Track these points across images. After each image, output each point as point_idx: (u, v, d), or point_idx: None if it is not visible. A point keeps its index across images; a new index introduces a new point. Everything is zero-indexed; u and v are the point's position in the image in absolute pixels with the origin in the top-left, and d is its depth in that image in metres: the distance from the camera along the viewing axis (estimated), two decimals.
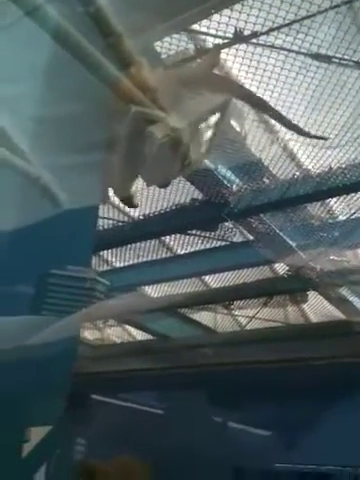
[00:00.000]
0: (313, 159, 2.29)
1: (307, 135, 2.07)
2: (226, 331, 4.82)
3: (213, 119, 1.85)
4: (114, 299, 4.01)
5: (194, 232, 3.19)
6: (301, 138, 2.14)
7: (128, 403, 6.11)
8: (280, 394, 4.92)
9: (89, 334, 5.35)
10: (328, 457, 4.43)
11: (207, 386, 5.52)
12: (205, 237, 3.30)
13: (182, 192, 2.70)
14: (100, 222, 3.13)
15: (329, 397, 4.65)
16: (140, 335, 5.08)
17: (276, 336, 4.45)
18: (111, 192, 2.69)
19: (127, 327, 5.13)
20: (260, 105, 2.00)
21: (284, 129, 2.13)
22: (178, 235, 3.28)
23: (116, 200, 3.00)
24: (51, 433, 2.93)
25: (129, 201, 2.46)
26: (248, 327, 4.58)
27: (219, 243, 3.53)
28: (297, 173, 2.41)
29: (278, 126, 2.19)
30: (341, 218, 2.87)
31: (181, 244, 3.42)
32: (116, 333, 5.39)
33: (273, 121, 2.17)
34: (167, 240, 3.56)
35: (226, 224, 2.90)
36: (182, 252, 3.74)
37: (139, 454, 5.22)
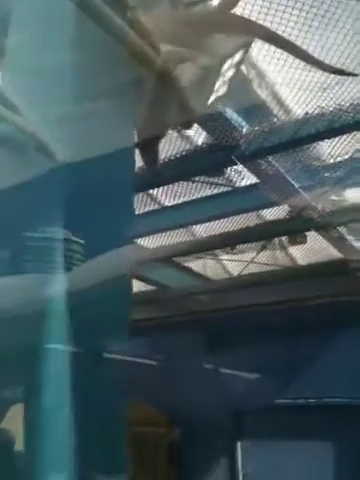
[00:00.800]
0: (327, 95, 2.27)
1: (330, 70, 2.04)
2: (224, 277, 4.89)
3: (234, 59, 1.81)
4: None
5: (200, 179, 3.17)
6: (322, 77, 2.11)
7: (127, 355, 6.21)
8: (279, 335, 5.06)
9: None
10: (330, 391, 4.63)
11: (205, 332, 5.64)
12: (211, 183, 3.29)
13: (188, 138, 2.66)
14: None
15: (328, 335, 4.81)
16: (140, 286, 5.11)
17: (274, 278, 4.54)
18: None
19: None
20: (283, 44, 1.96)
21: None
22: (181, 182, 3.25)
23: None
24: None
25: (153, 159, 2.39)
26: (245, 272, 4.65)
27: (216, 190, 3.53)
28: (309, 110, 2.40)
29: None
30: (346, 157, 2.88)
31: (185, 192, 3.39)
32: None
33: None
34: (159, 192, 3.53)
35: (235, 168, 2.88)
36: (177, 201, 3.74)
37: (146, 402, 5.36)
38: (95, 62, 2.32)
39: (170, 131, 2.28)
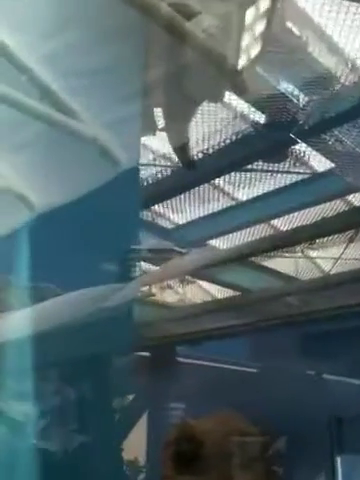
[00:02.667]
0: None
1: None
2: (310, 277, 4.46)
3: (262, 6, 1.49)
4: (184, 256, 3.79)
5: (260, 166, 2.82)
6: None
7: (217, 363, 5.95)
8: None
9: (169, 296, 5.20)
10: None
11: (297, 337, 5.23)
12: (274, 171, 2.93)
13: (236, 117, 2.34)
14: (143, 173, 2.83)
15: None
16: (218, 291, 4.83)
17: None
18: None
19: (203, 284, 4.89)
20: None
21: None
22: (241, 174, 2.93)
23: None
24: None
25: (183, 150, 2.15)
26: (334, 269, 4.18)
27: (285, 181, 3.17)
28: None
29: None
30: None
31: (243, 185, 3.06)
32: (194, 292, 5.18)
33: None
34: (226, 185, 3.24)
35: (296, 148, 2.51)
36: (246, 197, 3.43)
37: (236, 410, 5.05)
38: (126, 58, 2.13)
39: (200, 107, 2.00)
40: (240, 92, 1.90)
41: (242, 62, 1.53)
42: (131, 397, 5.30)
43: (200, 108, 2.25)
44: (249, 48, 1.55)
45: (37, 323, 3.19)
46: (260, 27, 1.55)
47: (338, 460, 4.94)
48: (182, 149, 1.97)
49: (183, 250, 3.70)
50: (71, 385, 4.10)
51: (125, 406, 4.89)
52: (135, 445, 5.07)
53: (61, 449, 4.18)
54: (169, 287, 4.80)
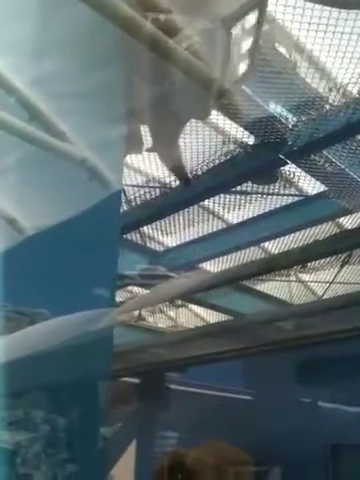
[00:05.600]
0: None
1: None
2: (303, 301, 4.40)
3: (251, 21, 1.47)
4: (175, 279, 3.73)
5: (249, 188, 2.79)
6: None
7: (209, 390, 5.83)
8: None
9: (161, 322, 5.12)
10: None
11: (291, 363, 5.14)
12: (265, 194, 2.90)
13: (227, 139, 2.32)
14: (131, 194, 2.80)
15: None
16: (209, 315, 4.75)
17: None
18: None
19: (195, 308, 4.82)
20: None
21: None
22: (231, 196, 2.90)
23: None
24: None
25: (177, 166, 2.13)
26: (327, 292, 4.13)
27: (276, 202, 3.15)
28: None
29: None
30: None
31: (233, 207, 3.03)
32: (185, 316, 5.10)
33: None
34: (216, 206, 3.21)
35: (286, 169, 2.49)
36: (236, 219, 3.40)
37: (228, 439, 4.93)
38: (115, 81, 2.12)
39: (189, 124, 1.97)
40: (228, 114, 1.87)
41: (228, 81, 1.50)
42: (118, 425, 5.17)
43: (188, 129, 2.24)
44: (236, 65, 1.53)
45: (22, 348, 3.11)
46: (246, 46, 1.53)
47: None
48: (176, 165, 1.94)
49: (173, 274, 3.65)
50: (61, 413, 3.99)
51: (111, 434, 4.76)
52: (124, 474, 4.92)
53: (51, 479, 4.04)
54: (160, 311, 4.73)
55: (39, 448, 4.18)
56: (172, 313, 4.92)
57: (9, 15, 2.20)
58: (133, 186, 2.74)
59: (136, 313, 4.34)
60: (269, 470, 5.21)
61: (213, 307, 4.39)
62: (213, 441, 4.90)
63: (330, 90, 2.08)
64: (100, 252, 2.60)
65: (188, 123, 1.97)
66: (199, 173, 2.48)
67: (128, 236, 3.32)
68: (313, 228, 3.37)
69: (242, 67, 1.57)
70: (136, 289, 4.28)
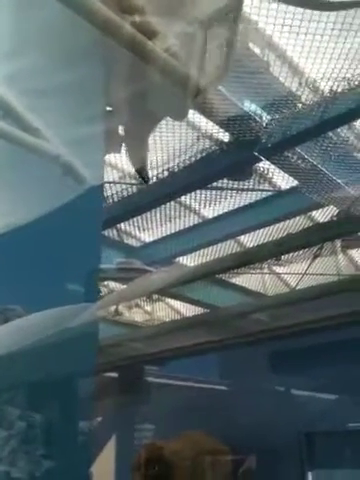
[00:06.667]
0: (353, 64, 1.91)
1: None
2: (277, 292, 4.49)
3: (225, 24, 1.51)
4: (152, 274, 3.77)
5: (225, 184, 2.85)
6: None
7: (187, 382, 5.89)
8: (344, 352, 4.57)
9: (138, 316, 5.15)
10: None
11: (266, 353, 5.23)
12: (240, 190, 2.96)
13: (201, 137, 2.36)
14: (109, 191, 2.82)
15: None
16: (186, 309, 4.81)
17: (331, 290, 4.08)
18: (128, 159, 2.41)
19: (171, 302, 4.87)
20: None
21: None
22: (207, 192, 2.95)
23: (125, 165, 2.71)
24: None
25: (140, 164, 2.15)
26: (300, 284, 4.23)
27: (251, 197, 3.21)
28: (336, 87, 2.03)
29: None
30: None
31: (209, 203, 3.08)
32: (162, 310, 5.15)
33: None
34: (192, 202, 3.26)
35: (260, 166, 2.54)
36: (212, 214, 3.45)
37: (206, 430, 5.00)
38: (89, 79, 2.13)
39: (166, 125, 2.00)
40: (204, 112, 1.91)
41: (204, 81, 1.54)
42: (98, 420, 5.20)
43: (166, 127, 2.27)
44: (212, 66, 1.56)
45: (1, 345, 3.11)
46: (222, 47, 1.57)
47: (309, 476, 4.94)
48: (141, 163, 1.96)
49: (150, 268, 3.68)
50: (37, 410, 3.99)
51: (92, 429, 4.79)
52: (104, 468, 4.95)
53: (28, 475, 4.06)
54: (136, 306, 4.76)
55: (15, 445, 4.19)
56: (149, 307, 4.97)
57: None
58: (110, 183, 2.76)
59: (113, 308, 4.37)
60: (245, 458, 5.32)
61: (189, 301, 4.44)
62: (189, 432, 4.97)
63: (302, 89, 2.13)
64: (81, 248, 2.61)
65: (163, 121, 2.00)
66: (176, 170, 2.52)
67: (105, 232, 3.34)
68: (287, 222, 3.45)
69: (218, 68, 1.60)
70: (112, 284, 4.31)
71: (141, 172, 1.98)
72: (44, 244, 2.96)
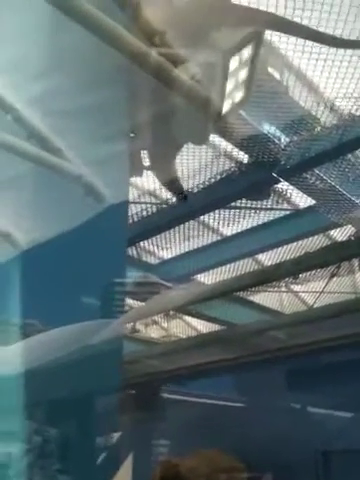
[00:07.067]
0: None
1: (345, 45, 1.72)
2: (294, 310, 4.48)
3: (245, 55, 1.56)
4: (170, 291, 3.80)
5: (244, 204, 2.88)
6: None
7: (203, 399, 5.88)
8: None
9: (154, 332, 5.17)
10: None
11: (283, 371, 5.21)
12: (259, 209, 2.99)
13: (221, 158, 2.41)
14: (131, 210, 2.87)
15: None
16: (203, 326, 4.82)
17: (349, 308, 4.07)
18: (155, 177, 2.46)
19: (188, 319, 4.89)
20: (292, 28, 1.68)
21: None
22: (225, 211, 2.99)
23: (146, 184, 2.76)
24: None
25: (174, 184, 2.21)
26: (317, 302, 4.22)
27: (269, 217, 3.24)
28: (354, 110, 2.07)
29: None
30: None
31: (228, 222, 3.11)
32: (179, 327, 5.16)
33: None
34: (211, 221, 3.30)
35: (279, 186, 2.58)
36: (231, 233, 3.48)
37: (222, 447, 4.98)
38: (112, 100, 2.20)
39: (187, 146, 2.05)
40: (224, 135, 1.95)
41: (226, 107, 1.58)
42: (116, 436, 5.20)
43: (186, 148, 2.32)
44: (233, 93, 1.61)
45: (21, 361, 3.15)
46: (243, 73, 1.61)
47: None
48: (173, 183, 2.02)
49: (169, 284, 3.72)
50: (55, 425, 4.02)
51: (110, 446, 4.80)
52: None
53: None
54: (154, 323, 4.78)
55: (32, 459, 4.21)
56: (165, 324, 4.98)
57: (9, 35, 2.27)
58: (132, 203, 2.81)
59: (130, 324, 4.40)
60: (261, 476, 5.27)
61: (207, 318, 4.46)
62: (205, 449, 4.94)
63: (321, 111, 2.17)
64: (103, 264, 2.66)
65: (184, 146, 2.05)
66: (196, 190, 2.57)
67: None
68: (304, 240, 3.47)
69: (239, 94, 1.65)
70: (130, 300, 4.34)
71: (176, 190, 2.03)
72: (65, 260, 3.01)
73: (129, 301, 4.35)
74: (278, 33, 1.73)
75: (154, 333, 5.13)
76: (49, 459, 4.21)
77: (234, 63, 1.55)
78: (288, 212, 3.19)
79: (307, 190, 2.63)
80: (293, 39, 2.04)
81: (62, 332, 3.02)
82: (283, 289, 4.20)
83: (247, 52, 1.57)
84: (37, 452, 4.11)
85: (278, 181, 2.48)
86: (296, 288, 4.42)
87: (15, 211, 3.02)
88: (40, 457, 4.14)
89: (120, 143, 2.34)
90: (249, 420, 5.27)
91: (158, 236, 3.21)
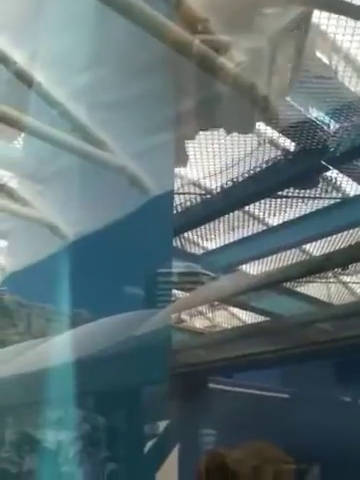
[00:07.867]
0: None
1: None
2: (343, 302, 4.37)
3: (293, 37, 1.50)
4: (215, 282, 3.77)
5: (291, 193, 2.81)
6: None
7: (249, 389, 5.84)
8: None
9: (199, 323, 5.16)
10: None
11: (331, 363, 5.11)
12: (307, 198, 2.91)
13: (267, 145, 2.35)
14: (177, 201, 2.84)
15: None
16: (249, 317, 4.77)
17: None
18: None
19: (234, 310, 4.85)
20: (343, 8, 1.60)
21: None
22: (272, 201, 2.92)
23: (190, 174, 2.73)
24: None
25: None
26: None
27: (318, 205, 3.15)
28: None
29: None
30: None
31: (274, 211, 3.05)
32: (224, 318, 5.13)
33: None
34: (257, 211, 3.23)
35: (328, 174, 2.50)
36: (277, 223, 3.41)
37: (268, 438, 4.94)
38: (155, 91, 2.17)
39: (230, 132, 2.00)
40: (271, 121, 1.90)
41: (272, 93, 1.54)
42: (164, 426, 5.24)
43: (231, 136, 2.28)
44: (279, 79, 1.56)
45: (71, 350, 3.21)
46: (290, 60, 1.56)
47: None
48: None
49: (214, 274, 3.69)
50: (103, 413, 4.08)
51: (158, 435, 4.84)
52: (167, 474, 4.99)
53: (94, 476, 4.16)
54: (199, 313, 4.77)
55: (81, 447, 4.30)
56: (210, 314, 4.97)
57: (54, 29, 2.28)
58: (178, 194, 2.80)
59: (176, 315, 4.40)
60: (309, 468, 5.20)
61: (252, 309, 4.41)
62: (253, 441, 4.91)
63: None
64: (152, 254, 2.67)
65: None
66: (241, 179, 2.52)
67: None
68: (354, 229, 3.36)
69: (286, 80, 1.60)
70: (175, 291, 4.34)
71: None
72: (111, 251, 3.04)
73: (175, 291, 4.35)
74: (327, 14, 1.66)
75: (199, 323, 5.12)
76: (98, 447, 4.28)
77: (280, 47, 1.50)
78: (337, 201, 3.09)
79: (358, 178, 2.54)
80: (342, 21, 1.96)
81: (111, 322, 3.05)
82: (332, 280, 4.10)
83: (294, 36, 1.52)
84: (86, 440, 4.19)
85: (327, 169, 2.40)
86: (345, 279, 4.31)
87: (62, 204, 3.06)
88: (89, 445, 4.22)
89: (164, 134, 2.32)
90: (297, 412, 5.21)
91: (203, 227, 3.18)
